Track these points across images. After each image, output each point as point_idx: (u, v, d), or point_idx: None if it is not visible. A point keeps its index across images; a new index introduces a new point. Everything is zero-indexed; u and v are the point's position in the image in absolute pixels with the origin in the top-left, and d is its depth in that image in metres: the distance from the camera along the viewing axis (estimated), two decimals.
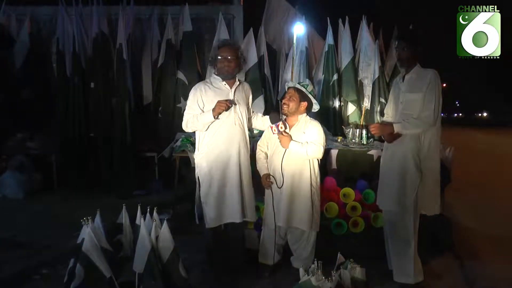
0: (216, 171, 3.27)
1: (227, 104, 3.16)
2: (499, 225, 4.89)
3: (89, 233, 2.30)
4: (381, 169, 3.40)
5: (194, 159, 4.64)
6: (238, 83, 3.39)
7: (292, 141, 3.28)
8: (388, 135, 3.22)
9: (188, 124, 3.30)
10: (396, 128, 3.13)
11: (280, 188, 3.34)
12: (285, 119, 3.40)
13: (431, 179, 3.18)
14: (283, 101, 3.39)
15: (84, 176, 6.27)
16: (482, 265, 3.76)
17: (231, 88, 3.32)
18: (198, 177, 3.36)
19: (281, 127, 3.28)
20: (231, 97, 3.30)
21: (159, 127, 6.68)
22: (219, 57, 3.27)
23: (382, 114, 6.13)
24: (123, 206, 2.85)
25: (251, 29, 6.54)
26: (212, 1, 7.72)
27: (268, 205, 3.44)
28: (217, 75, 3.34)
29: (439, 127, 3.17)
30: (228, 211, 3.30)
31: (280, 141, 3.31)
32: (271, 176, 3.40)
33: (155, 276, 2.38)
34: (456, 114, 64.28)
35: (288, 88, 3.47)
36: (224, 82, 3.31)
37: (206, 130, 3.27)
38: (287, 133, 3.31)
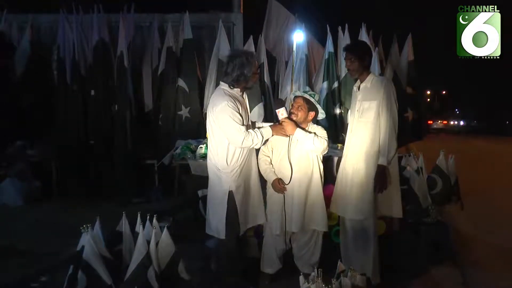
0: (249, 179, 3.26)
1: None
2: (500, 233, 4.87)
3: (89, 241, 2.30)
4: (340, 177, 3.36)
5: (193, 167, 4.64)
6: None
7: (298, 128, 3.22)
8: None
9: (253, 140, 3.07)
10: (383, 162, 3.10)
11: (288, 184, 3.25)
12: (288, 106, 3.30)
13: (392, 184, 3.20)
14: (291, 110, 3.33)
15: (84, 183, 6.26)
16: (483, 273, 3.74)
17: (243, 96, 3.26)
18: (230, 190, 3.10)
19: (282, 114, 3.22)
20: (247, 103, 3.28)
21: (160, 135, 6.68)
22: (253, 70, 3.15)
23: None
24: (123, 214, 2.84)
25: (251, 36, 6.57)
26: (212, 9, 7.77)
27: (275, 211, 3.32)
28: (237, 87, 3.17)
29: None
30: (260, 213, 3.34)
31: (285, 128, 3.21)
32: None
33: (147, 280, 2.38)
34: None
35: (296, 97, 3.39)
36: (241, 93, 3.22)
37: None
38: (292, 120, 3.26)
